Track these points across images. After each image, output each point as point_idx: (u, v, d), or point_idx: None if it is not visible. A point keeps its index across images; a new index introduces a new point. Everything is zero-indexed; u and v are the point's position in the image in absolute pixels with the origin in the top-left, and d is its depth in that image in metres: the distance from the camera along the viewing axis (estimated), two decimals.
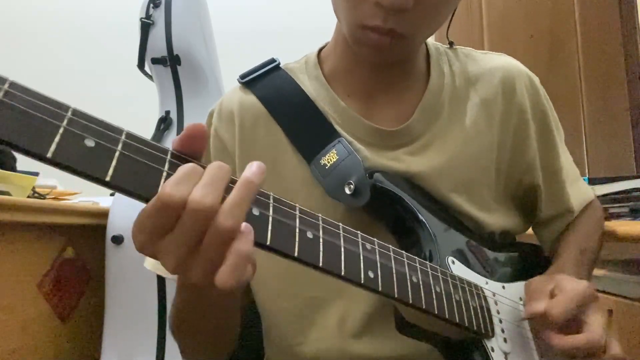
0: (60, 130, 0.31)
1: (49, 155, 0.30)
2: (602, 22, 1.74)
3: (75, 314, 1.21)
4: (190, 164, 0.35)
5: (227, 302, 0.57)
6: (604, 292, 1.13)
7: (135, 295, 1.23)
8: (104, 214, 1.28)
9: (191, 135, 0.37)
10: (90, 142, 0.32)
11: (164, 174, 0.34)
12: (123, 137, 0.34)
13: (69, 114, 0.32)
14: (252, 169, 0.36)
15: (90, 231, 1.28)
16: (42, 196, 1.19)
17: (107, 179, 0.32)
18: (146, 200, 0.33)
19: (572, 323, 0.53)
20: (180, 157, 0.36)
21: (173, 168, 0.35)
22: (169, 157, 0.35)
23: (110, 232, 1.26)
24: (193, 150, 0.37)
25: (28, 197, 1.13)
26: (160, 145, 0.35)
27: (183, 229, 0.34)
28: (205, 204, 0.33)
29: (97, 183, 0.32)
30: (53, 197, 1.27)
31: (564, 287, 0.54)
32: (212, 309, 0.55)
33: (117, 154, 0.33)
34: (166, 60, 1.40)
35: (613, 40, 1.71)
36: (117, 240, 1.25)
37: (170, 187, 0.33)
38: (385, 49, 0.57)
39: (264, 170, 0.37)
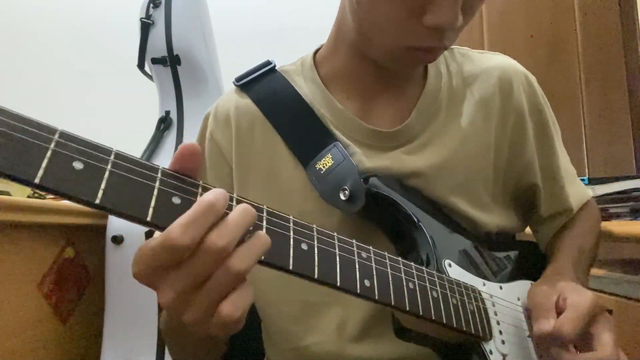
0: (48, 154, 0.30)
1: (36, 180, 0.29)
2: (602, 22, 1.73)
3: (75, 314, 1.21)
4: (208, 200, 0.33)
5: None
6: (604, 292, 1.13)
7: (135, 295, 1.23)
8: (104, 214, 1.28)
9: (183, 155, 0.36)
10: (78, 165, 0.31)
11: (155, 193, 0.34)
12: (112, 157, 0.33)
13: (57, 136, 0.31)
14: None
15: (90, 231, 1.28)
16: (42, 196, 1.19)
17: (97, 201, 0.31)
18: (138, 221, 0.33)
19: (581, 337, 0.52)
20: (172, 174, 0.36)
21: (164, 186, 0.34)
22: (159, 175, 0.35)
23: (110, 232, 1.26)
24: (187, 170, 0.37)
25: (28, 197, 1.13)
26: (151, 163, 0.35)
27: (191, 268, 0.33)
28: (220, 245, 0.33)
29: (86, 205, 0.31)
30: (53, 197, 1.27)
31: (571, 300, 0.52)
32: (193, 340, 0.56)
33: (106, 175, 0.32)
34: (166, 60, 1.39)
35: (613, 40, 1.71)
36: (117, 240, 1.25)
37: (181, 227, 0.32)
38: (426, 63, 0.60)
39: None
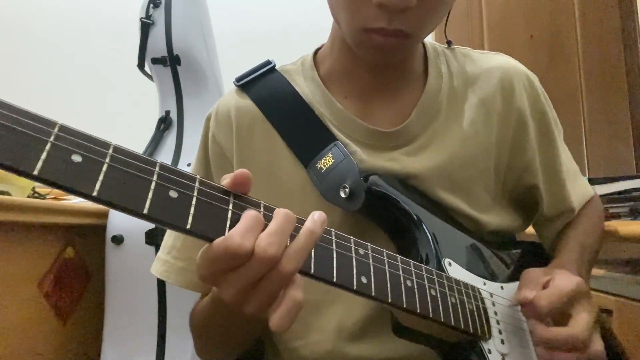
0: (47, 147, 0.31)
1: (35, 172, 0.30)
2: (602, 22, 1.73)
3: (75, 314, 1.21)
4: (253, 213, 0.37)
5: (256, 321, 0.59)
6: (604, 292, 1.12)
7: (135, 295, 1.23)
8: (104, 214, 1.28)
9: (238, 181, 0.39)
10: (77, 158, 0.32)
11: (152, 187, 0.34)
12: (110, 151, 0.33)
13: (56, 130, 0.31)
14: (314, 217, 0.40)
15: (90, 231, 1.28)
16: (42, 196, 1.19)
17: (94, 194, 0.31)
18: (135, 214, 0.33)
19: (561, 317, 0.53)
20: (170, 169, 0.36)
21: (161, 180, 0.35)
22: (157, 169, 0.35)
23: (110, 232, 1.25)
24: (243, 192, 0.40)
25: (28, 197, 1.13)
26: (149, 157, 0.35)
27: (248, 270, 0.37)
28: (271, 253, 0.36)
29: (84, 198, 0.32)
30: (53, 197, 1.27)
31: (556, 281, 0.54)
32: (241, 325, 0.58)
33: (104, 168, 0.32)
34: (166, 60, 1.39)
35: (613, 41, 1.71)
36: (117, 240, 1.24)
37: (239, 237, 0.35)
38: (390, 51, 0.57)
39: (324, 220, 0.41)
